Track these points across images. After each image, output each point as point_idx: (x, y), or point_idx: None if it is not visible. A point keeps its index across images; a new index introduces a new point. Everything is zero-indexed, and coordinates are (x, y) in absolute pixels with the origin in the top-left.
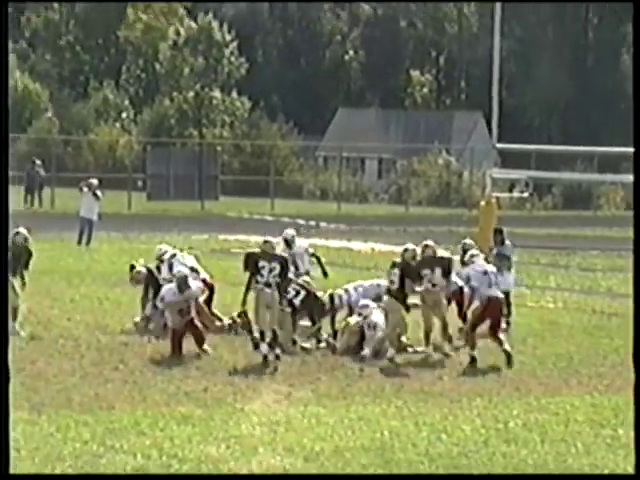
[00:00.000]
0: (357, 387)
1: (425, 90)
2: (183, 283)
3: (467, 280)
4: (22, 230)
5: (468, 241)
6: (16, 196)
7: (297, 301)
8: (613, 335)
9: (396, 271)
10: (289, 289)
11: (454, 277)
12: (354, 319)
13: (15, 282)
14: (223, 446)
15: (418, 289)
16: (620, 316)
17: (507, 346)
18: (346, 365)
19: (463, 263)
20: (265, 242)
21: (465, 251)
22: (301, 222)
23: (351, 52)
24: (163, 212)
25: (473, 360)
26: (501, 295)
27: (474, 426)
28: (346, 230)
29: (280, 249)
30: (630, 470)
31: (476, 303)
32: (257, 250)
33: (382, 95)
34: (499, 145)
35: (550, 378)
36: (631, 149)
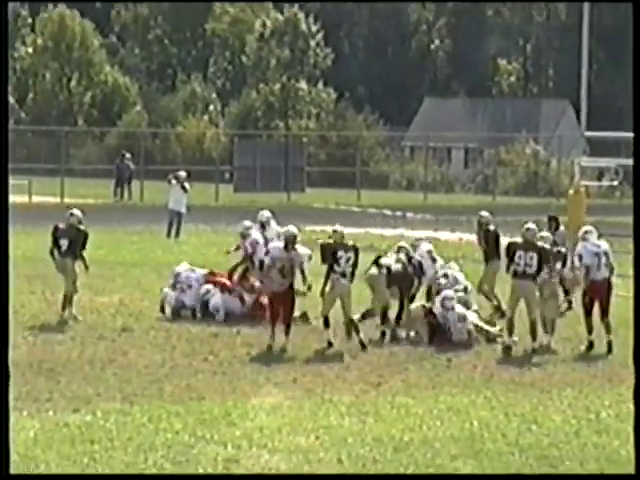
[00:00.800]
0: (446, 377)
1: (512, 78)
2: (291, 241)
3: (579, 258)
4: (76, 211)
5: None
6: (106, 189)
7: None
8: None
9: (533, 254)
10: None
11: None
12: (421, 307)
13: (76, 265)
14: (312, 436)
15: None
16: None
17: (611, 334)
18: (434, 355)
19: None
20: (334, 231)
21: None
22: (388, 213)
23: (437, 41)
24: (250, 204)
25: (591, 345)
26: (606, 276)
27: (565, 417)
28: (432, 220)
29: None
30: None
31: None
32: (331, 240)
33: (468, 84)
34: (588, 133)
35: None
36: None
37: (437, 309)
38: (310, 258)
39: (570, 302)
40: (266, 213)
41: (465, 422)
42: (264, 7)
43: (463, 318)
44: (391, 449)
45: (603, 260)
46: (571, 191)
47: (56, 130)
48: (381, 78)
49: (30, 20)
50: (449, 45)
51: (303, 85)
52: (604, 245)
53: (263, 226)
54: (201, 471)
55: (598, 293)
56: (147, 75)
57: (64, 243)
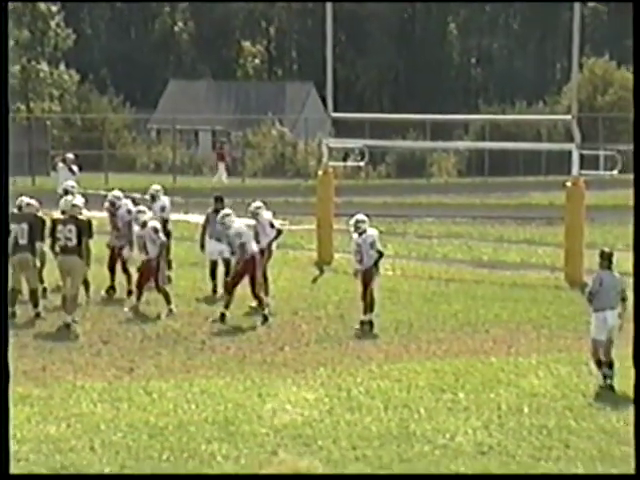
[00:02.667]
0: (199, 360)
1: (257, 61)
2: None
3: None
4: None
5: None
6: None
7: None
8: (451, 301)
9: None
10: None
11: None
12: None
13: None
14: (63, 425)
15: None
16: (457, 282)
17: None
18: (187, 338)
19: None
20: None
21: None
22: (137, 195)
23: (180, 23)
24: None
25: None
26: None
27: (318, 395)
28: (182, 203)
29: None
30: (469, 431)
31: None
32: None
33: (214, 67)
34: (335, 114)
35: (391, 345)
36: (462, 116)
37: None
38: None
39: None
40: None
41: (220, 404)
42: None
43: None
44: (146, 435)
45: (370, 249)
46: (320, 172)
47: None
48: (125, 60)
49: None
50: (192, 27)
51: (44, 67)
52: (373, 233)
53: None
54: None
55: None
56: None
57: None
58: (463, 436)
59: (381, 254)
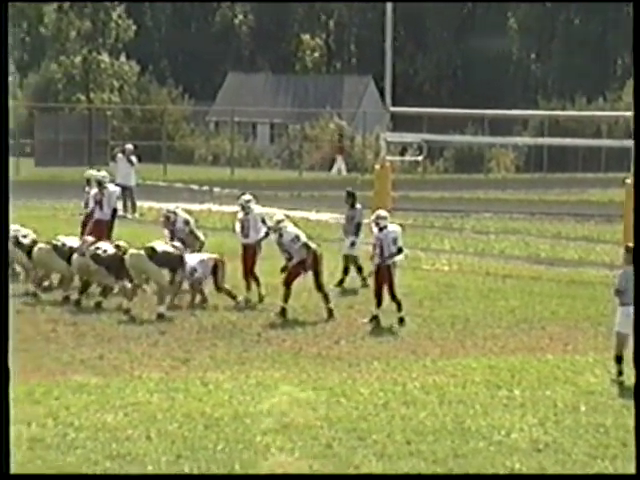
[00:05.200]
0: (255, 352)
1: (316, 54)
2: None
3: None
4: None
5: None
6: None
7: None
8: (508, 297)
9: None
10: None
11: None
12: None
13: None
14: (120, 414)
15: None
16: (514, 278)
17: (402, 311)
18: (243, 330)
19: None
20: None
21: None
22: (195, 187)
23: (240, 16)
24: (52, 178)
25: (375, 318)
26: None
27: (373, 389)
28: (239, 195)
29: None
30: (525, 428)
31: None
32: None
33: (272, 59)
34: (393, 109)
35: (447, 340)
36: (521, 112)
37: None
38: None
39: (365, 279)
40: (246, 197)
41: (275, 397)
42: None
43: None
44: (201, 425)
45: (391, 244)
46: (377, 166)
47: None
48: (185, 52)
49: None
50: (252, 20)
51: (105, 58)
52: (396, 229)
53: (244, 209)
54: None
55: (384, 277)
56: None
57: None
58: (518, 433)
59: (400, 250)
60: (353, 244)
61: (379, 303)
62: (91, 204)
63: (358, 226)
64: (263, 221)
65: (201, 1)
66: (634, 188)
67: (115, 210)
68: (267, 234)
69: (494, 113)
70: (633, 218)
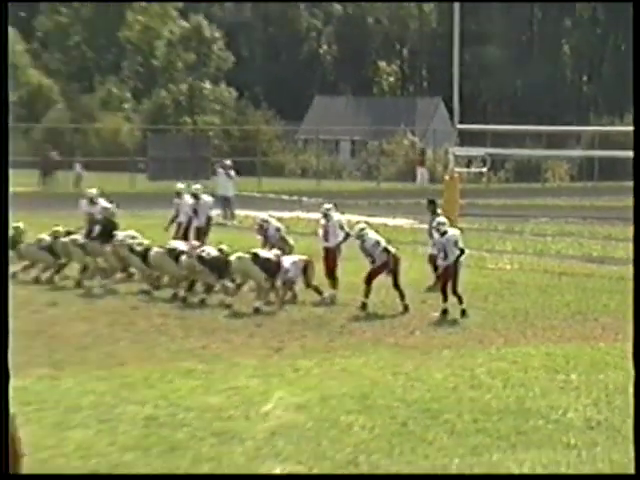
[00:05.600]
0: (339, 342)
1: (391, 79)
2: None
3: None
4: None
5: None
6: (31, 179)
7: None
8: (564, 292)
9: None
10: None
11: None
12: None
13: None
14: (223, 396)
15: None
16: (569, 275)
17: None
18: (329, 323)
19: None
20: None
21: None
22: (285, 197)
23: (325, 46)
24: (162, 190)
25: (445, 312)
26: (453, 260)
27: (444, 374)
28: (325, 203)
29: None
30: (579, 408)
31: None
32: None
33: (353, 84)
34: (460, 126)
35: (509, 331)
36: (574, 127)
37: None
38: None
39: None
40: (327, 205)
41: (357, 381)
42: (171, 16)
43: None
44: (293, 406)
45: (453, 247)
46: (447, 177)
47: None
48: (276, 79)
49: None
50: (335, 50)
51: (207, 85)
52: (455, 233)
53: (325, 216)
54: (122, 428)
55: (449, 275)
56: (67, 77)
57: None
58: (574, 412)
59: (462, 251)
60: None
61: (445, 298)
62: (188, 213)
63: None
64: (341, 227)
65: (226, 1)
66: (634, 188)
67: (209, 218)
68: (345, 238)
69: (550, 129)
70: (633, 219)
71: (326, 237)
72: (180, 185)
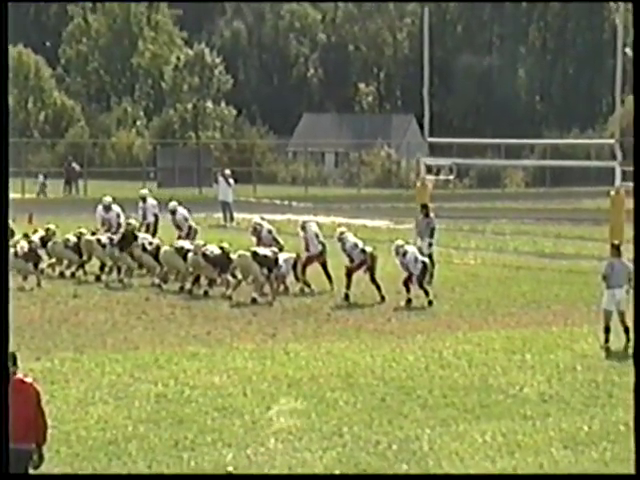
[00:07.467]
0: (326, 328)
1: (370, 98)
2: None
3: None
4: None
5: None
6: (56, 187)
7: None
8: (520, 283)
9: None
10: None
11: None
12: None
13: None
14: (224, 376)
15: None
16: (525, 269)
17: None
18: (317, 311)
19: None
20: None
21: None
22: (277, 202)
23: (312, 70)
24: (170, 197)
25: (410, 301)
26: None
27: (417, 356)
28: (312, 207)
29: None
30: (534, 384)
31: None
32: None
33: (337, 103)
34: (430, 139)
35: (473, 317)
36: (528, 140)
37: None
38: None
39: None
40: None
41: (341, 362)
42: (177, 45)
43: None
44: (285, 384)
45: (414, 263)
46: (418, 184)
47: (17, 141)
48: (270, 98)
49: None
50: (321, 73)
51: (209, 104)
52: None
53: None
54: (136, 404)
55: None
56: (87, 98)
57: None
58: (529, 388)
59: (425, 264)
60: (430, 245)
61: (408, 290)
62: (155, 213)
63: (432, 230)
64: (317, 237)
65: (215, 1)
66: (634, 189)
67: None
68: (323, 249)
69: (508, 142)
70: (633, 219)
71: (307, 247)
72: (144, 191)
